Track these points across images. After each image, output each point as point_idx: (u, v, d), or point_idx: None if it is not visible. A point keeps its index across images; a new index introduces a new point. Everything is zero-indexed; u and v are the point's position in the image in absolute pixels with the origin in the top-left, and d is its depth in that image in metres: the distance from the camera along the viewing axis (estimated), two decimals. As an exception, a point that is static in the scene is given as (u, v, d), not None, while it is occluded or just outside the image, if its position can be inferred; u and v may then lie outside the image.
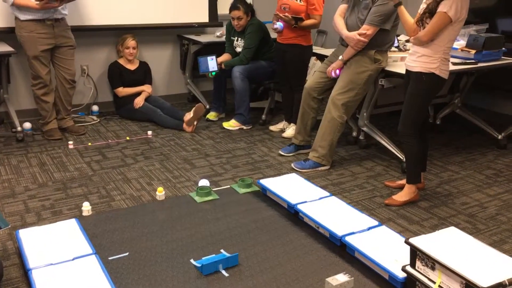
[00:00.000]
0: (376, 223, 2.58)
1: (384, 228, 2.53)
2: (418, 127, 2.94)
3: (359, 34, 3.24)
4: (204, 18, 4.99)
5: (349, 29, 3.33)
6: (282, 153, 3.79)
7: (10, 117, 4.01)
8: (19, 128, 3.88)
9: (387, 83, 3.56)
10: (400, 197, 3.00)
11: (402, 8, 2.89)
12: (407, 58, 2.99)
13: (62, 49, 3.88)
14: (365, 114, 3.80)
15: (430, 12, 2.76)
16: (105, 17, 4.31)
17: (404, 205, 2.97)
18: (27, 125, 4.04)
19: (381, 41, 3.32)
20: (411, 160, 3.00)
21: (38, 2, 3.57)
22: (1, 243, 2.43)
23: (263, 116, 4.56)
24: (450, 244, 2.02)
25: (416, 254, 2.02)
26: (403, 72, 3.25)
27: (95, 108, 4.65)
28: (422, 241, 2.02)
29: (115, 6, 4.46)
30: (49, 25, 3.74)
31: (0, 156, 3.57)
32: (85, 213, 2.76)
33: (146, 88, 4.55)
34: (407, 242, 2.04)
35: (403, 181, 3.12)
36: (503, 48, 3.81)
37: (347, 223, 2.56)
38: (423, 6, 2.86)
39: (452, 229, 2.17)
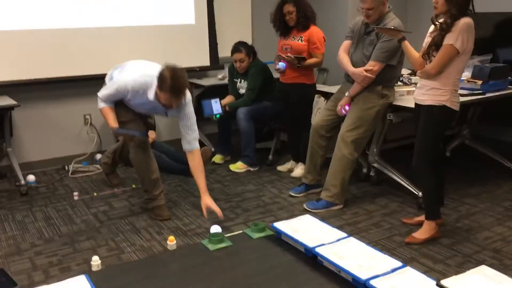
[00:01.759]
0: (400, 264, 2.46)
1: (409, 269, 2.41)
2: (433, 161, 2.87)
3: (366, 70, 3.22)
4: (205, 61, 5.01)
5: (355, 65, 3.32)
6: (293, 194, 3.71)
7: (13, 171, 3.93)
8: (22, 182, 3.80)
9: (395, 118, 3.52)
10: (421, 234, 2.89)
11: (406, 43, 2.88)
12: (416, 92, 2.96)
13: None
14: (375, 150, 3.74)
15: (436, 44, 2.75)
16: (106, 65, 4.28)
17: (426, 242, 2.86)
18: (31, 177, 3.97)
19: (388, 76, 3.30)
20: (429, 195, 2.92)
21: (113, 128, 3.21)
22: (8, 305, 2.31)
23: (270, 157, 4.49)
24: (484, 285, 1.91)
25: (449, 297, 1.91)
26: (411, 106, 3.22)
27: (98, 157, 4.57)
28: (455, 283, 1.91)
29: (115, 55, 4.46)
30: None
31: (4, 212, 3.47)
32: (94, 268, 2.64)
33: (150, 134, 4.48)
34: (439, 285, 1.93)
35: (421, 218, 3.02)
36: (509, 78, 3.80)
37: (370, 265, 2.44)
38: (427, 39, 2.86)
39: (483, 268, 2.07)
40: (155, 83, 3.07)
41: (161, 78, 3.01)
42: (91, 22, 4.38)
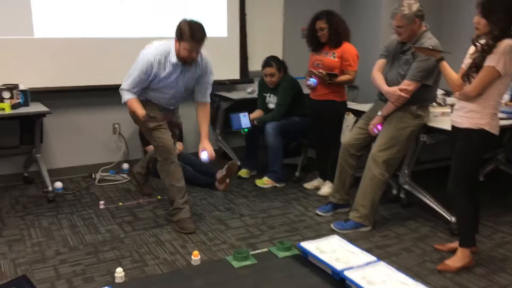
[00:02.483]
0: (432, 293, 2.37)
1: (443, 299, 2.31)
2: (470, 186, 2.76)
3: (400, 90, 3.14)
4: (235, 75, 5.00)
5: (389, 84, 3.24)
6: (320, 213, 3.63)
7: (41, 177, 3.96)
8: (50, 188, 3.82)
9: (429, 139, 3.41)
10: (454, 262, 2.77)
11: (444, 64, 2.80)
12: (453, 114, 2.86)
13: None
14: (406, 171, 3.64)
15: (477, 66, 2.66)
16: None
17: (459, 271, 2.74)
18: (58, 184, 3.98)
19: (423, 96, 3.21)
20: (464, 221, 2.80)
21: (144, 115, 3.22)
22: (31, 314, 2.29)
23: (297, 173, 4.42)
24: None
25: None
26: (446, 127, 3.13)
27: (125, 166, 4.59)
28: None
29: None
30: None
31: (31, 217, 3.49)
32: (118, 280, 2.60)
33: (177, 146, 4.48)
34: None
35: (454, 244, 2.91)
36: (549, 101, 3.66)
37: (401, 293, 2.34)
38: (467, 61, 2.77)
39: (524, 303, 1.95)
40: (173, 45, 3.21)
41: (179, 30, 3.16)
42: (123, 32, 4.42)
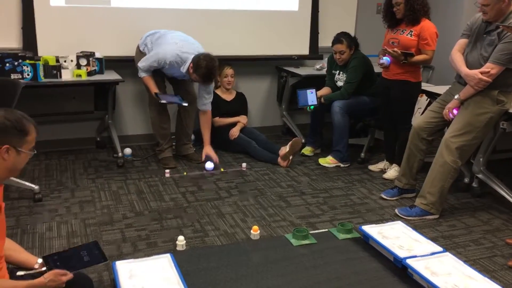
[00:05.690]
0: (501, 290, 2.24)
1: (513, 298, 2.18)
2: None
3: (482, 73, 2.93)
4: (304, 50, 4.90)
5: (470, 66, 3.03)
6: (384, 197, 3.52)
7: (112, 142, 4.13)
8: (120, 154, 3.97)
9: (509, 127, 3.19)
10: (528, 260, 2.61)
11: (534, 45, 2.57)
12: (540, 101, 2.64)
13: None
14: (481, 159, 3.43)
15: None
16: (207, 46, 4.30)
17: (533, 270, 2.57)
18: (128, 151, 4.14)
19: (507, 81, 2.97)
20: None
21: (156, 93, 3.77)
22: (98, 273, 2.41)
23: (362, 154, 4.31)
24: None
25: None
26: (530, 115, 2.90)
27: (192, 136, 4.66)
28: None
29: (213, 37, 4.49)
30: None
31: (101, 180, 3.65)
32: (179, 248, 2.69)
33: (242, 119, 4.50)
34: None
35: (529, 241, 2.72)
36: None
37: (467, 287, 2.24)
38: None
39: None
40: (189, 60, 3.65)
41: (197, 63, 3.58)
42: (197, 3, 4.43)
